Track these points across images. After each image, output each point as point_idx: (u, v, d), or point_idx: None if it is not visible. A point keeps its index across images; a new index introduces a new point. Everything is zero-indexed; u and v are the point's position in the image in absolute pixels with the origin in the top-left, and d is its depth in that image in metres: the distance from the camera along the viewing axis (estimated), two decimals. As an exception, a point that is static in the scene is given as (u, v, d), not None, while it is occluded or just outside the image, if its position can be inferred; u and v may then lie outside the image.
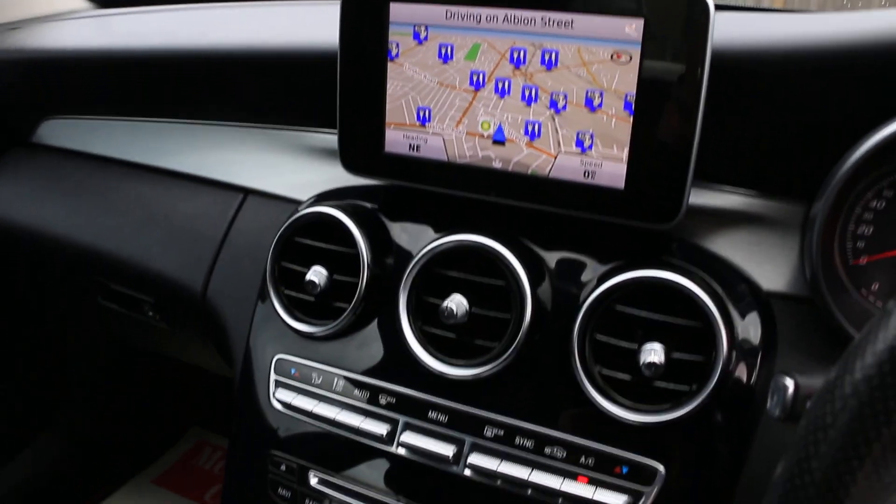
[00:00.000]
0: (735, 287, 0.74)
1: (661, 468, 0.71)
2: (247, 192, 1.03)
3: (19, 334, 1.81)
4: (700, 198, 0.78)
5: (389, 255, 0.85)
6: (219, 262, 1.02)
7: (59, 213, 1.20)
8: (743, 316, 0.72)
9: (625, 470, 0.72)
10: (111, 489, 2.04)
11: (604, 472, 0.73)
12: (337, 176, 0.92)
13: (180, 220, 1.08)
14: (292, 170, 0.99)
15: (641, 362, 0.70)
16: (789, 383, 0.54)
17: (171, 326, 1.19)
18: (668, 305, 0.72)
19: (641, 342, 0.72)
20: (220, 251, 1.02)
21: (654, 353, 0.70)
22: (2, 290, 1.58)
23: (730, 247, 0.77)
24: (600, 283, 0.73)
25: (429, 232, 0.85)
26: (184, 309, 1.08)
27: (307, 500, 0.84)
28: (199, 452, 2.16)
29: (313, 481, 0.84)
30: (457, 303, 0.76)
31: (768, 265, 0.76)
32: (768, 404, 0.54)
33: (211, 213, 1.05)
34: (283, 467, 0.85)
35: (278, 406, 0.87)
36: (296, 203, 0.95)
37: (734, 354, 0.70)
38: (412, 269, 0.80)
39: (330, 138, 0.97)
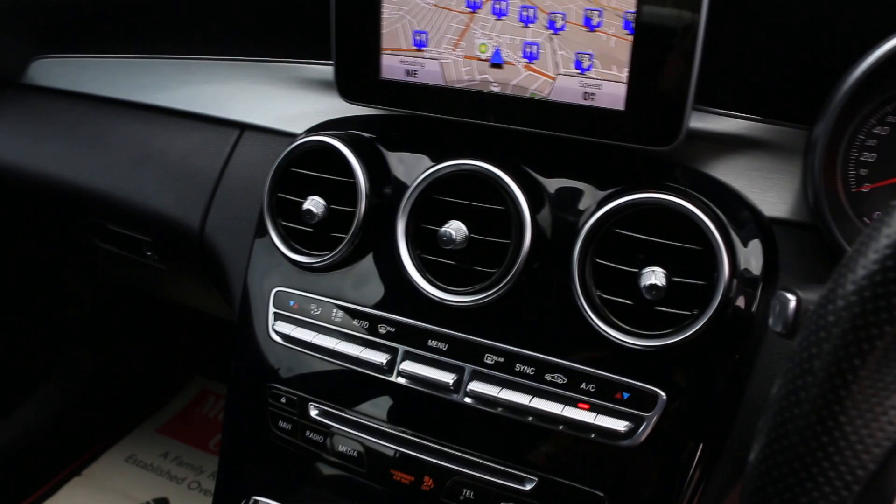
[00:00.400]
0: (737, 212, 0.73)
1: (662, 394, 0.71)
2: (243, 127, 1.02)
3: (15, 282, 1.81)
4: (701, 122, 0.76)
5: (387, 185, 0.84)
6: (216, 199, 1.01)
7: (52, 153, 1.18)
8: (745, 242, 0.72)
9: (626, 396, 0.72)
10: (115, 439, 2.05)
11: (604, 398, 0.72)
12: (333, 107, 0.91)
13: (176, 157, 1.06)
14: (288, 102, 0.98)
15: (642, 285, 0.69)
16: (791, 298, 0.53)
17: (169, 266, 1.19)
18: (669, 230, 0.71)
19: (642, 266, 0.71)
20: (217, 188, 1.01)
21: (655, 275, 0.69)
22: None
23: (731, 173, 0.76)
24: (600, 206, 0.72)
25: (426, 161, 0.83)
26: (182, 247, 1.08)
27: (307, 432, 0.83)
28: (203, 401, 2.17)
29: (313, 413, 0.84)
30: (455, 228, 0.75)
31: (771, 191, 0.75)
32: (770, 320, 0.54)
33: (207, 150, 1.04)
34: (282, 400, 0.85)
35: (277, 338, 0.86)
36: (292, 136, 0.94)
37: (735, 279, 0.70)
38: (410, 194, 0.79)
39: (325, 70, 0.95)
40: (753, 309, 0.71)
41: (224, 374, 2.16)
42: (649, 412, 0.71)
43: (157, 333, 2.11)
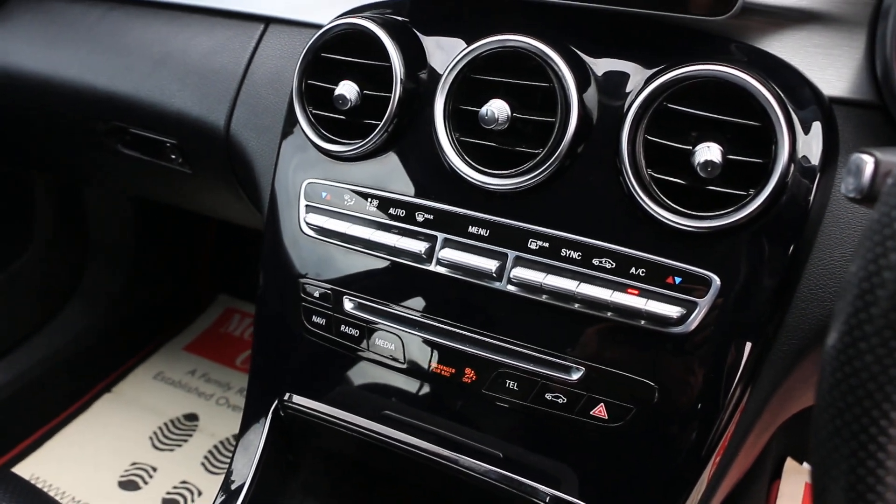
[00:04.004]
0: (797, 91, 0.69)
1: (715, 278, 0.68)
2: (267, 20, 0.98)
3: (39, 202, 1.80)
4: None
5: (423, 69, 0.80)
6: (241, 96, 0.97)
7: (70, 58, 1.15)
8: (804, 121, 0.67)
9: (677, 281, 0.69)
10: (143, 357, 2.06)
11: (655, 283, 0.69)
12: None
13: (198, 55, 1.03)
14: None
15: (696, 162, 0.66)
16: (868, 160, 0.49)
17: (194, 170, 1.16)
18: (723, 108, 0.67)
19: (695, 144, 0.67)
20: (243, 84, 0.98)
21: (710, 150, 0.65)
22: (16, 147, 1.55)
23: (788, 50, 0.71)
24: (652, 80, 0.68)
25: (463, 43, 0.79)
26: (207, 148, 1.05)
27: (342, 326, 0.81)
28: (228, 319, 2.18)
29: (348, 306, 0.81)
30: (498, 107, 0.71)
31: (829, 69, 0.70)
32: (843, 186, 0.50)
33: (230, 46, 1.00)
34: (316, 294, 0.83)
35: (309, 231, 0.83)
36: (319, 28, 0.89)
37: (794, 161, 0.66)
38: (450, 73, 0.75)
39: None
40: (811, 196, 0.67)
41: (249, 293, 2.17)
42: (702, 297, 0.68)
43: (181, 252, 2.11)
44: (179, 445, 1.83)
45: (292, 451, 0.87)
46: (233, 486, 0.82)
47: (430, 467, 0.75)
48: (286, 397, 0.81)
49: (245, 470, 0.82)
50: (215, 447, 1.82)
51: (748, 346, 0.69)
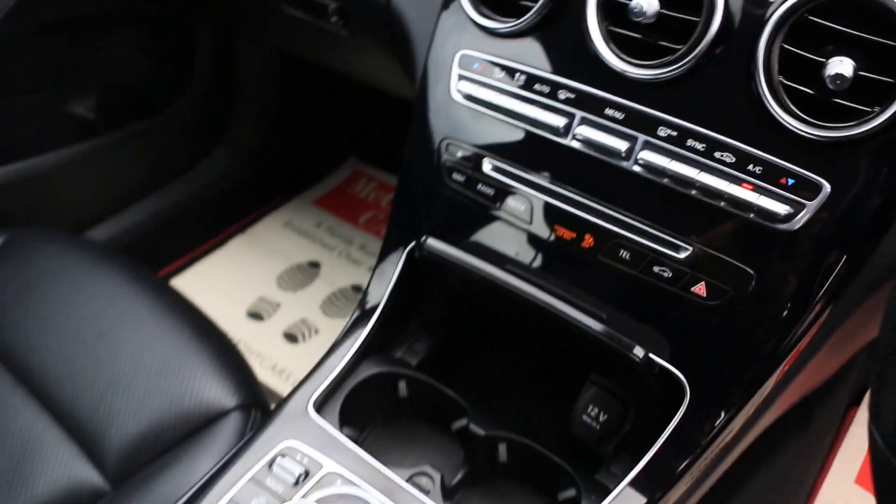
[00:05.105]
0: None
1: (826, 185, 0.72)
2: None
3: (200, 53, 1.91)
4: None
5: None
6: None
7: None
8: None
9: (790, 182, 0.74)
10: (275, 206, 2.21)
11: (770, 181, 0.74)
12: None
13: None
14: None
15: (828, 74, 0.70)
16: None
17: (352, 33, 1.24)
18: (862, 25, 0.70)
19: (829, 57, 0.71)
20: (408, -45, 1.04)
21: (842, 64, 0.70)
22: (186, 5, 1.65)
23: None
24: None
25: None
26: (368, 13, 1.12)
27: (479, 185, 0.90)
28: (356, 181, 2.29)
29: (487, 168, 0.89)
30: (647, 1, 0.77)
31: None
32: None
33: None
34: (458, 154, 0.91)
35: (459, 98, 0.91)
36: None
37: None
38: None
39: None
40: None
41: (377, 158, 2.27)
42: (810, 201, 0.73)
43: (319, 112, 2.21)
44: (302, 288, 1.99)
45: (418, 292, 0.97)
46: (367, 306, 0.94)
47: (541, 316, 0.84)
48: (422, 239, 0.90)
49: (380, 293, 0.93)
50: (334, 294, 1.97)
51: (843, 258, 0.75)
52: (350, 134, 2.33)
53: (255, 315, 1.93)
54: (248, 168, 2.11)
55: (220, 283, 1.99)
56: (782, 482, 1.23)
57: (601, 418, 0.89)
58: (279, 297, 1.97)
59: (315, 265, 2.05)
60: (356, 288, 1.98)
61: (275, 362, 1.83)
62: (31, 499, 1.06)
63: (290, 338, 1.89)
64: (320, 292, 1.97)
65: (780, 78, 0.74)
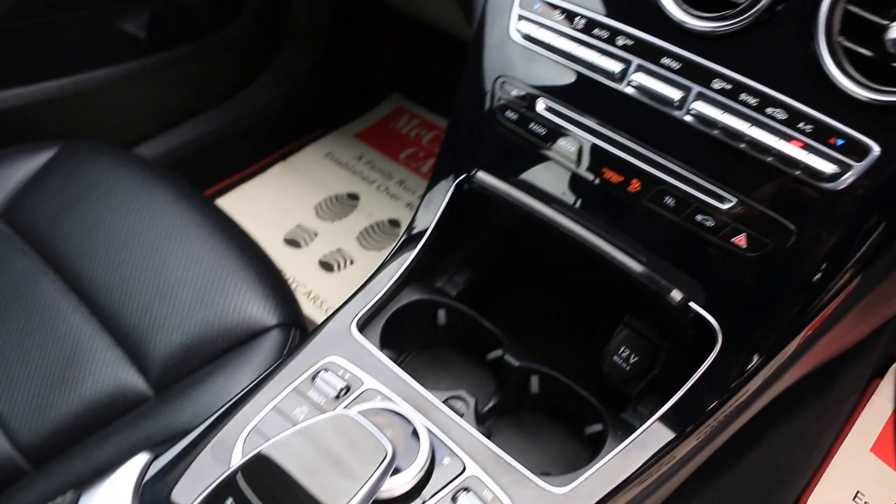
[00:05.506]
0: None
1: (876, 148, 0.73)
2: None
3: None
4: None
5: None
6: None
7: None
8: None
9: (840, 142, 0.75)
10: (317, 137, 2.23)
11: (819, 140, 0.75)
12: None
13: None
14: None
15: (888, 37, 0.71)
16: None
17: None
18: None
19: (893, 20, 0.72)
20: None
21: (906, 27, 0.71)
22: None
23: None
24: None
25: None
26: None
27: (532, 124, 0.91)
28: (398, 116, 2.31)
29: (540, 107, 0.91)
30: None
31: None
32: None
33: None
34: (513, 93, 0.93)
35: (517, 38, 0.92)
36: None
37: None
38: None
39: None
40: None
41: (421, 95, 2.28)
42: (858, 162, 0.74)
43: (367, 46, 2.22)
44: (340, 218, 2.02)
45: (462, 224, 1.00)
46: (414, 232, 0.96)
47: (583, 255, 0.87)
48: (472, 172, 0.92)
49: (427, 220, 0.96)
50: (371, 226, 2.00)
51: (882, 224, 0.76)
52: (396, 70, 2.34)
53: (292, 242, 1.97)
54: (292, 97, 2.13)
55: (258, 208, 2.03)
56: (798, 442, 1.26)
57: (631, 360, 0.91)
58: (317, 225, 2.01)
59: (354, 197, 2.08)
60: (393, 222, 2.01)
61: (309, 289, 1.88)
62: (80, 396, 1.12)
63: (326, 266, 1.93)
64: (357, 224, 2.01)
65: (840, 39, 0.74)
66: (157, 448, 0.85)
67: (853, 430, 1.37)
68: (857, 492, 1.27)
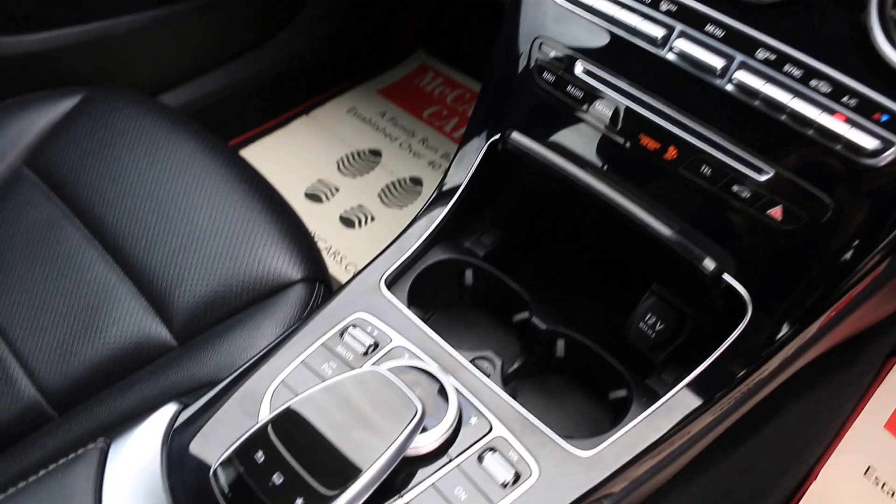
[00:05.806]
0: None
1: None
2: None
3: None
4: None
5: None
6: None
7: None
8: None
9: (884, 118, 0.73)
10: (340, 92, 2.22)
11: (862, 114, 0.74)
12: None
13: None
14: None
15: None
16: None
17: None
18: None
19: None
20: None
21: (961, 4, 0.69)
22: None
23: None
24: None
25: None
26: None
27: (569, 87, 0.90)
28: (423, 74, 2.29)
29: (578, 70, 0.90)
30: None
31: None
32: None
33: None
34: (552, 54, 0.92)
35: (557, -1, 0.91)
36: None
37: None
38: None
39: None
40: None
41: (445, 53, 2.26)
42: None
43: (391, 2, 2.20)
44: (361, 174, 2.02)
45: (493, 184, 1.00)
46: (445, 188, 0.96)
47: (615, 220, 0.86)
48: (506, 133, 0.91)
49: (459, 177, 0.96)
50: (392, 183, 2.00)
51: None
52: (420, 27, 2.32)
53: (313, 196, 1.97)
54: (316, 51, 2.12)
55: (280, 161, 2.02)
56: (820, 414, 1.26)
57: (657, 327, 0.91)
58: (338, 180, 2.00)
59: (376, 153, 2.07)
60: (415, 180, 2.01)
61: (329, 244, 1.88)
62: (105, 344, 1.13)
63: (347, 222, 1.93)
64: (379, 180, 2.00)
65: (894, 12, 0.73)
66: (184, 398, 0.86)
67: (868, 407, 1.37)
68: (869, 466, 1.28)
